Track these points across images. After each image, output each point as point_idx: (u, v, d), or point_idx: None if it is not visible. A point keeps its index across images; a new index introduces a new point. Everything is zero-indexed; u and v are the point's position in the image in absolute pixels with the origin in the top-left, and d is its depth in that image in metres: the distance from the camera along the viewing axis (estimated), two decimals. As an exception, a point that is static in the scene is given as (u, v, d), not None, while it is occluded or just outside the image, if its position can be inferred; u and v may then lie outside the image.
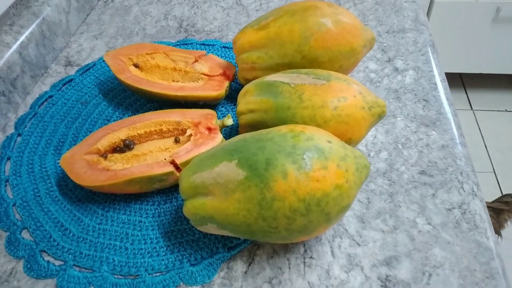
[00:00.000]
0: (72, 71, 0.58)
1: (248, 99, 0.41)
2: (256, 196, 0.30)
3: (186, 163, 0.39)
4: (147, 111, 0.51)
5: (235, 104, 0.51)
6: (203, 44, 0.60)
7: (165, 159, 0.41)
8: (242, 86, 0.53)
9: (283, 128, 0.34)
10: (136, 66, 0.51)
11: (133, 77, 0.48)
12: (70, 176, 0.39)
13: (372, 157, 0.44)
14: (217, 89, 0.47)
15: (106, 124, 0.49)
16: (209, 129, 0.42)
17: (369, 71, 0.54)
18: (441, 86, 0.51)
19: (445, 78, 0.52)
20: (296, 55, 0.44)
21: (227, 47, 0.59)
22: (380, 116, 0.40)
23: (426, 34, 0.59)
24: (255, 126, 0.41)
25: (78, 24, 0.66)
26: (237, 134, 0.48)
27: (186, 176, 0.34)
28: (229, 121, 0.42)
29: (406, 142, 0.44)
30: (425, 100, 0.49)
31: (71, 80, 0.55)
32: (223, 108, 0.51)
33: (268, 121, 0.39)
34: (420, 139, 0.45)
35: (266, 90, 0.41)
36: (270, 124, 0.39)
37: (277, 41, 0.44)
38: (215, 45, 0.60)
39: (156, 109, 0.51)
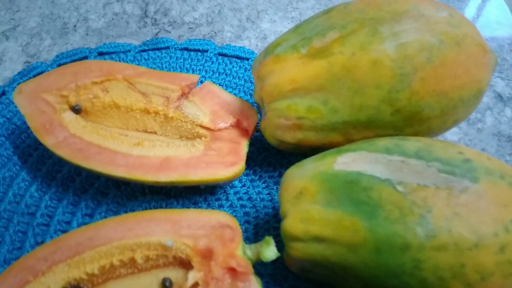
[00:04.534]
0: (-36, 105, 0.34)
1: (307, 211, 0.21)
2: None
3: None
4: (102, 194, 0.29)
5: (255, 173, 0.30)
6: (185, 49, 0.37)
7: None
8: (263, 138, 0.32)
9: None
10: (75, 110, 0.28)
11: (69, 142, 0.26)
12: None
13: None
14: (232, 161, 0.26)
15: (27, 225, 0.27)
16: (232, 270, 0.21)
17: (460, 101, 0.34)
18: None
19: None
20: (383, 107, 0.23)
21: (225, 55, 0.37)
22: None
23: (522, 31, 0.39)
24: (324, 268, 0.21)
25: (-25, 11, 0.40)
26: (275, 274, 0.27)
27: None
28: (270, 253, 0.22)
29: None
30: (561, 156, 0.31)
31: (-39, 126, 0.32)
32: (237, 182, 0.30)
33: (356, 266, 0.20)
34: None
35: (345, 194, 0.20)
36: (363, 274, 0.20)
37: (348, 83, 0.23)
38: (207, 51, 0.37)
39: (118, 194, 0.29)
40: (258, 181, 0.29)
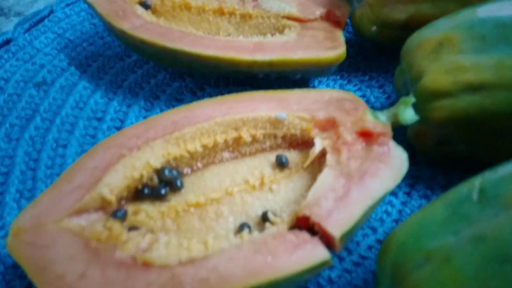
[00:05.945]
0: (8, 25, 0.31)
1: (454, 62, 0.18)
2: None
3: (350, 232, 0.15)
4: (177, 100, 0.25)
5: (343, 77, 0.27)
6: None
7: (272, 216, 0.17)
8: (356, 37, 0.29)
9: None
10: (145, 5, 0.25)
11: (148, 27, 0.23)
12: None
13: None
14: (331, 46, 0.23)
15: (96, 130, 0.24)
16: (366, 134, 0.18)
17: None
18: None
19: None
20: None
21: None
22: None
23: None
24: (476, 126, 0.18)
25: None
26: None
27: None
28: (409, 113, 0.18)
29: None
30: None
31: (8, 42, 0.28)
32: (322, 86, 0.27)
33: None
34: None
35: (500, 37, 0.17)
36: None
37: None
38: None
39: (194, 100, 0.26)
40: (348, 85, 0.26)
